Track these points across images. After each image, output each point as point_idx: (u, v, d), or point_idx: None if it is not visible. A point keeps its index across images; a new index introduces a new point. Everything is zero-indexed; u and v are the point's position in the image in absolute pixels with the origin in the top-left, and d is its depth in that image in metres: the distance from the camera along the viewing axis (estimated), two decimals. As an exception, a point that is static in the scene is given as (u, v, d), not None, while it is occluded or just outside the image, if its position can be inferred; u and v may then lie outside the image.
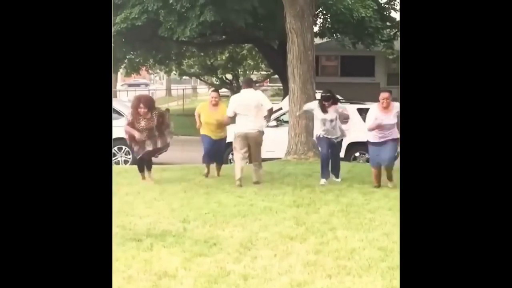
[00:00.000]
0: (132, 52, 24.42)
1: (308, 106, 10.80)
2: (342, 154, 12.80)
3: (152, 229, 6.50)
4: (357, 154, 13.13)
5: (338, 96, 19.78)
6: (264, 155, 13.29)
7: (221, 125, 10.40)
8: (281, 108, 14.72)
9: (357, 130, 12.54)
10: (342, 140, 10.29)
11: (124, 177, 10.66)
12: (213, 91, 11.13)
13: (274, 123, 13.53)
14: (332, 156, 10.02)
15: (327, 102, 9.86)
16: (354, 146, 13.02)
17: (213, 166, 10.68)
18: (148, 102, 9.78)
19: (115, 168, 12.97)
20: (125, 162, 14.01)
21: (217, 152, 10.67)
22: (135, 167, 13.02)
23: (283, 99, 18.67)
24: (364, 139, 11.40)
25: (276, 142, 12.82)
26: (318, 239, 6.08)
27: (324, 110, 9.88)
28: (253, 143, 9.77)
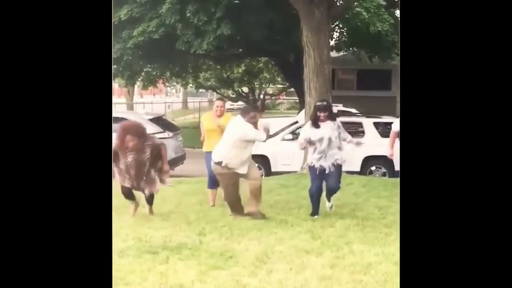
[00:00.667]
0: (149, 65, 24.57)
1: (298, 117, 9.42)
2: (357, 168, 12.80)
3: (168, 242, 6.51)
4: (373, 168, 13.09)
5: (353, 110, 19.90)
6: (280, 168, 13.36)
7: None
8: (297, 122, 14.74)
9: (373, 144, 12.53)
10: (341, 165, 8.01)
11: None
12: (218, 99, 9.87)
13: (290, 136, 13.55)
14: (328, 189, 8.11)
15: (322, 113, 7.83)
16: (370, 160, 12.99)
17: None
18: (137, 131, 7.82)
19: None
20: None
21: None
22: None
23: (299, 112, 18.69)
24: (380, 153, 11.31)
25: (291, 155, 12.85)
26: (334, 253, 6.06)
27: (316, 123, 7.86)
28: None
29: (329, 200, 8.26)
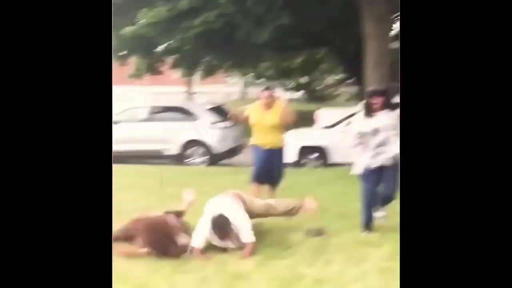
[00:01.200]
0: (208, 55, 24.75)
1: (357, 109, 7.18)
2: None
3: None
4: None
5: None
6: (337, 159, 13.23)
7: (277, 130, 8.11)
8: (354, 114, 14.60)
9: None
10: (397, 166, 5.97)
11: (200, 178, 10.84)
12: (265, 89, 8.34)
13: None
14: (382, 195, 6.54)
15: (376, 99, 6.36)
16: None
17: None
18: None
19: (191, 168, 13.22)
20: (201, 163, 14.23)
21: (271, 168, 8.13)
22: (211, 168, 13.25)
23: (359, 103, 18.49)
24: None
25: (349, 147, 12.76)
26: (393, 245, 6.01)
27: (369, 112, 6.43)
28: None
29: (382, 208, 6.67)
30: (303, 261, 5.50)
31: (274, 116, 8.00)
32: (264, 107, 8.10)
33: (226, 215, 5.88)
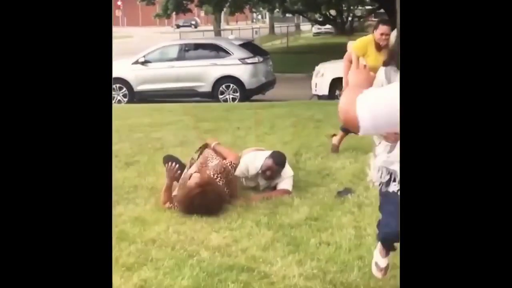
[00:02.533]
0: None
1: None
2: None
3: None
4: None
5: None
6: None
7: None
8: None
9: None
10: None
11: (234, 113, 10.95)
12: (382, 23, 6.68)
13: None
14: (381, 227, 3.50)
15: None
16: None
17: None
18: None
19: (224, 105, 13.34)
20: (233, 99, 14.31)
21: None
22: (244, 103, 13.35)
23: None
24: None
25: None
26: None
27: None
28: None
29: (387, 251, 3.49)
30: (342, 186, 5.61)
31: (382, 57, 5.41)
32: (377, 46, 6.63)
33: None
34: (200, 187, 5.01)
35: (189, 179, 5.25)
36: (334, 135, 7.28)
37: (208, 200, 4.98)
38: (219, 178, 5.25)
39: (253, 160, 5.71)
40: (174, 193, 5.28)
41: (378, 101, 1.90)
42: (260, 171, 5.62)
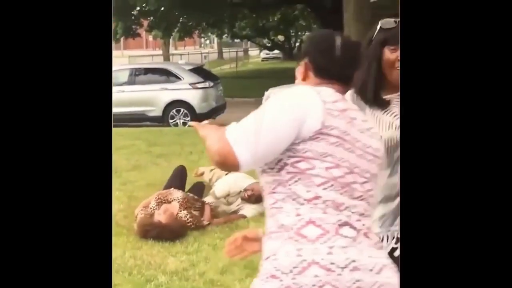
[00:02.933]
0: (184, 16, 24.61)
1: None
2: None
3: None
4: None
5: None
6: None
7: None
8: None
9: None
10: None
11: (186, 137, 10.94)
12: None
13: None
14: None
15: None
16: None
17: None
18: None
19: (175, 129, 13.33)
20: (184, 124, 14.31)
21: None
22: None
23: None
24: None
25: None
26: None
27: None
28: None
29: None
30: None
31: None
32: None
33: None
34: (159, 228, 5.04)
35: (158, 209, 5.29)
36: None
37: (163, 237, 5.04)
38: (186, 211, 5.33)
39: (234, 181, 6.07)
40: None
41: (247, 130, 1.79)
42: (243, 191, 5.88)
